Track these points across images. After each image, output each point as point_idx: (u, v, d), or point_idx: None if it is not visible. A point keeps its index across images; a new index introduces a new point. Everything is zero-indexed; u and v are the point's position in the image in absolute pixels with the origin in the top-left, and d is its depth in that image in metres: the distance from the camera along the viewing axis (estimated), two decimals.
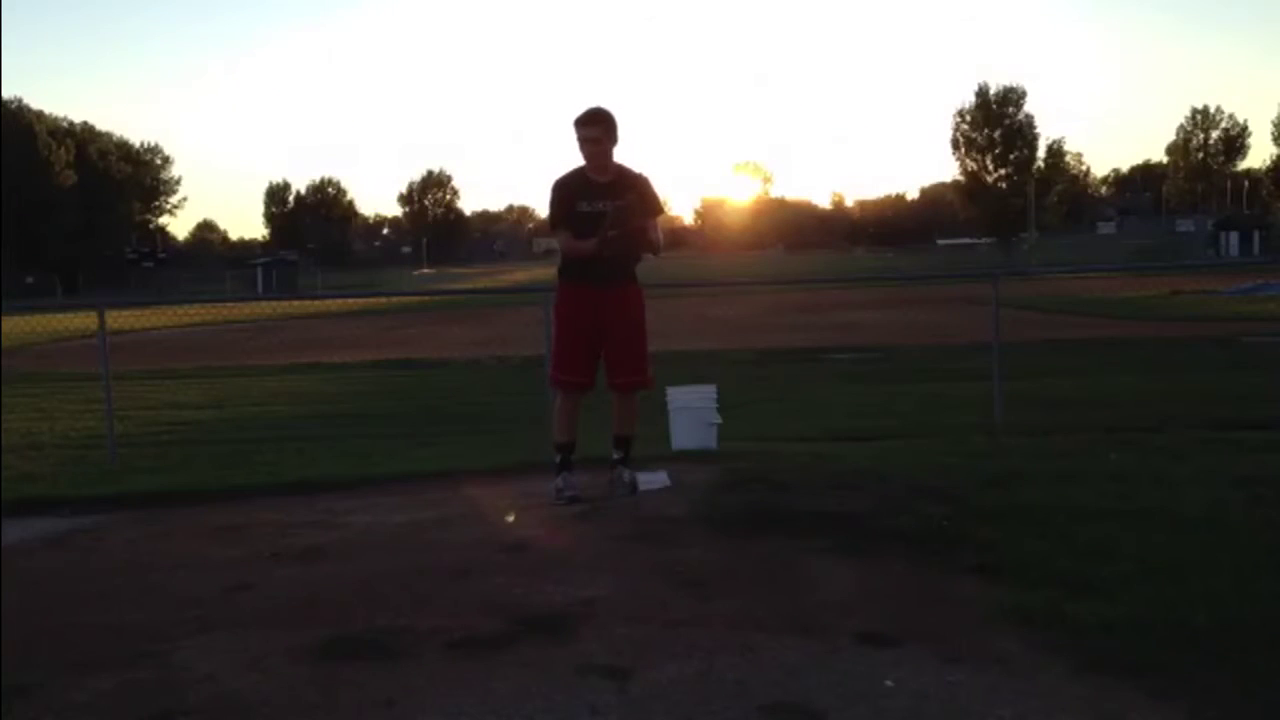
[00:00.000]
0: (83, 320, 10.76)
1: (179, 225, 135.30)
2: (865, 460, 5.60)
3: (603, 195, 4.68)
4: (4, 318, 16.24)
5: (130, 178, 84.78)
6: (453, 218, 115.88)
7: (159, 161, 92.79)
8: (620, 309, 4.86)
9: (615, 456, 5.05)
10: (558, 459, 4.94)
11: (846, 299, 27.74)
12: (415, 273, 77.71)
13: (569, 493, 4.84)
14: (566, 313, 4.94)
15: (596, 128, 4.66)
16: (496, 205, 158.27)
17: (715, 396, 6.23)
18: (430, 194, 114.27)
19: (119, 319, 10.63)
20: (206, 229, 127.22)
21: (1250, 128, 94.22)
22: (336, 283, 58.91)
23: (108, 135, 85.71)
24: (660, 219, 4.99)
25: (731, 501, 4.71)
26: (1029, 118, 73.44)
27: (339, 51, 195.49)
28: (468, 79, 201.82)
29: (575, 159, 4.82)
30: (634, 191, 4.72)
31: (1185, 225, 74.96)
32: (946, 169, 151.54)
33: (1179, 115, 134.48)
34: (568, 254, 4.86)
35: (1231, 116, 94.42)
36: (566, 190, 4.80)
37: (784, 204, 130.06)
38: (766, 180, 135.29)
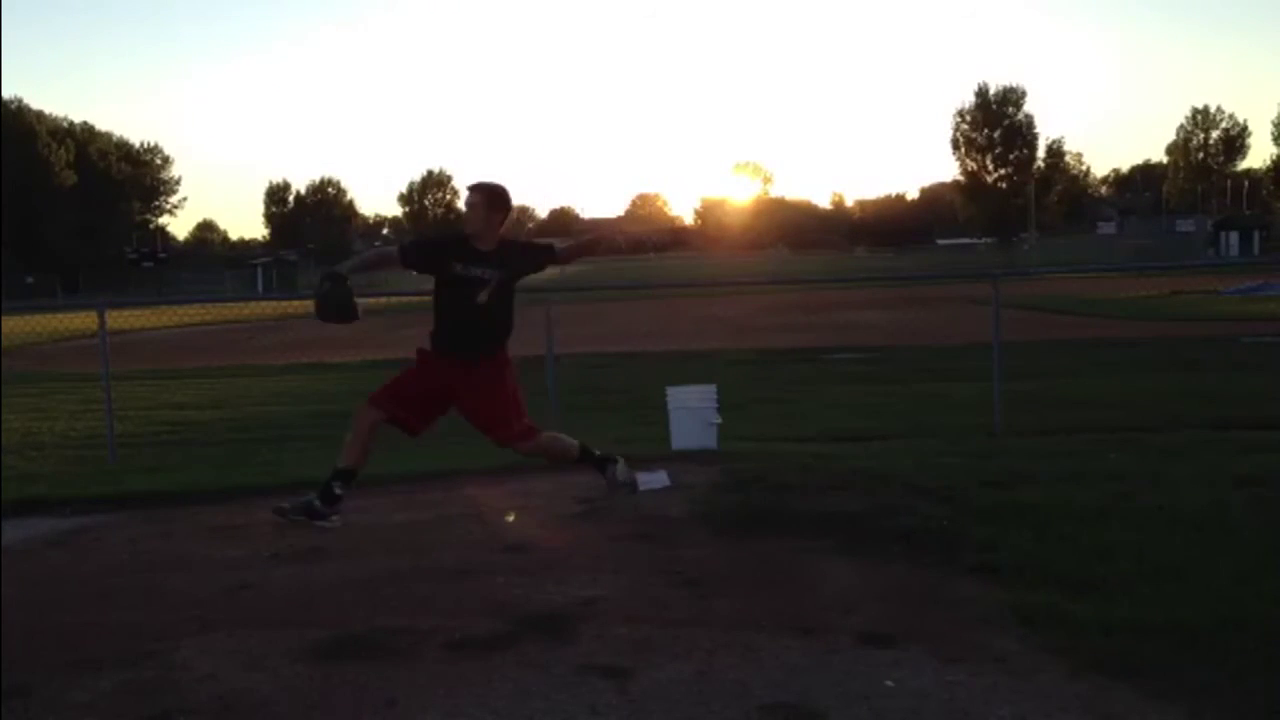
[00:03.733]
0: (83, 320, 10.72)
1: (179, 225, 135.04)
2: (865, 460, 5.60)
3: (481, 263, 4.67)
4: (4, 318, 16.16)
5: (130, 178, 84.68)
6: (453, 218, 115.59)
7: (159, 161, 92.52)
8: (475, 382, 4.71)
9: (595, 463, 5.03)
10: (337, 488, 4.68)
11: (846, 299, 27.69)
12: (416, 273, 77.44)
13: (323, 522, 4.60)
14: (420, 368, 4.82)
15: (476, 194, 4.77)
16: None
17: (715, 396, 6.23)
18: (430, 194, 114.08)
19: (119, 319, 10.62)
20: (206, 229, 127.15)
21: (1250, 128, 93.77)
22: None
23: (108, 135, 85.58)
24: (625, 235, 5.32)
25: (731, 501, 4.72)
26: (1029, 118, 73.51)
27: (339, 51, 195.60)
28: (467, 79, 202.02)
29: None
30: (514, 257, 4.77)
31: (1185, 225, 74.73)
32: (946, 169, 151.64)
33: (1179, 115, 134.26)
34: (368, 260, 5.10)
35: (1231, 116, 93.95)
36: (447, 242, 5.01)
37: (784, 204, 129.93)
38: (766, 180, 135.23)
